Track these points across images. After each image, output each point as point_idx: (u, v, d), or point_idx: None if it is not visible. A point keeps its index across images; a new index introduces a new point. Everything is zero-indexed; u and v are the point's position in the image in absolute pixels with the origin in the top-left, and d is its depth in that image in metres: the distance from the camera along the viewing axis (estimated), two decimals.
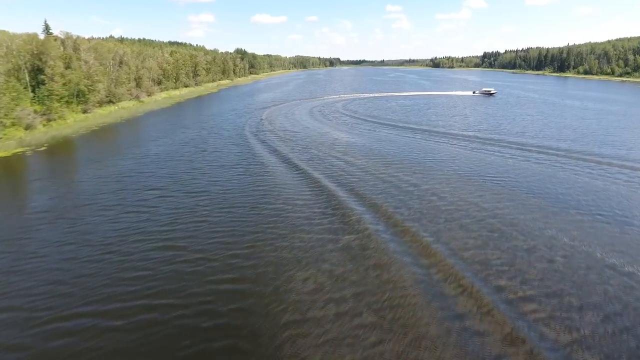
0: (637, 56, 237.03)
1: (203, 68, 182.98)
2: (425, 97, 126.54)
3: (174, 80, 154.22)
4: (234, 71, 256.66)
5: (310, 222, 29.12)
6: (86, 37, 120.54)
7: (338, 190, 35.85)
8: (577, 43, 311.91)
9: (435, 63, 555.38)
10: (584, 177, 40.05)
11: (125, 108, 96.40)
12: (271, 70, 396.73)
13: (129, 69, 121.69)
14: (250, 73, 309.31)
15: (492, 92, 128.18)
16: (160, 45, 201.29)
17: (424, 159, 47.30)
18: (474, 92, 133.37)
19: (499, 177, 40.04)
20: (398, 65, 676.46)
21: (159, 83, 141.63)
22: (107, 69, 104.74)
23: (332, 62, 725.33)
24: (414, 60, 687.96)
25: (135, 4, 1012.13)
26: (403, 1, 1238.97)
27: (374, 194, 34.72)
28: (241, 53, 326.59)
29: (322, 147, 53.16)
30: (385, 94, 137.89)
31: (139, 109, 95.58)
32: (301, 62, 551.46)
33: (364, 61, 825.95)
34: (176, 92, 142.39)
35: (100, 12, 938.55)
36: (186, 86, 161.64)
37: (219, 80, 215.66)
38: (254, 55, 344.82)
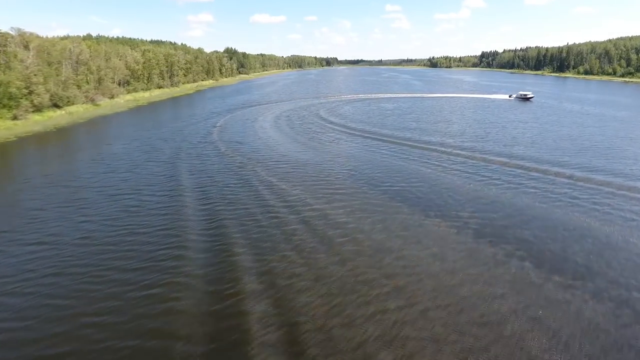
0: (639, 55, 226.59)
1: (180, 68, 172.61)
2: (435, 99, 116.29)
3: (145, 81, 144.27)
4: (220, 71, 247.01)
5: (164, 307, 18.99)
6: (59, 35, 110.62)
7: (236, 249, 25.69)
8: (577, 42, 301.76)
9: (432, 63, 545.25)
10: (588, 215, 29.81)
11: (72, 113, 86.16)
12: (264, 70, 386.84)
13: (88, 69, 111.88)
14: (240, 73, 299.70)
15: (528, 96, 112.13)
16: (137, 43, 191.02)
17: (382, 186, 37.07)
18: (510, 96, 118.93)
19: (472, 216, 29.82)
20: (395, 65, 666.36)
21: (127, 84, 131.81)
22: (57, 70, 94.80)
23: (329, 62, 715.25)
24: (411, 60, 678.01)
25: (134, 4, 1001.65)
26: (402, 1, 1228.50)
27: (291, 257, 24.57)
28: (231, 52, 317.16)
29: (259, 169, 42.92)
30: (372, 96, 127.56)
31: (86, 115, 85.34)
32: (296, 62, 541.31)
33: (361, 61, 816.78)
34: (145, 94, 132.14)
35: (99, 12, 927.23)
36: (160, 87, 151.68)
37: (202, 80, 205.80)
38: (244, 55, 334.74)
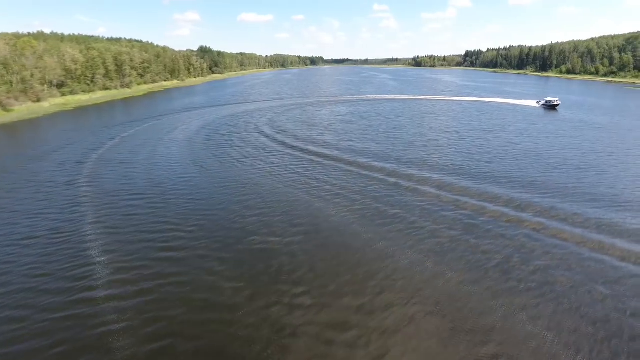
0: (622, 54, 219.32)
1: (133, 67, 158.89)
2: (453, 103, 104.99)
3: (89, 82, 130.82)
4: (189, 71, 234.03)
5: None
6: None
7: None
8: (560, 41, 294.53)
9: (417, 62, 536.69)
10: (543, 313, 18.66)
11: None
12: (242, 70, 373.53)
13: (10, 69, 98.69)
14: (213, 73, 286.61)
15: (554, 103, 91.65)
16: (89, 40, 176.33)
17: (254, 245, 25.56)
18: (537, 102, 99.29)
19: (362, 314, 18.44)
20: (381, 65, 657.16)
21: (62, 85, 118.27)
22: None
23: (313, 61, 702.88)
24: (396, 59, 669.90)
25: (120, 2, 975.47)
26: (390, 0, 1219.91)
27: None
28: (205, 51, 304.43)
29: (99, 207, 31.04)
30: (335, 98, 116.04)
31: None
32: (278, 61, 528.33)
33: (347, 60, 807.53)
34: (83, 97, 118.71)
35: (85, 11, 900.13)
36: (106, 89, 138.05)
37: (165, 81, 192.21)
38: (219, 53, 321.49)
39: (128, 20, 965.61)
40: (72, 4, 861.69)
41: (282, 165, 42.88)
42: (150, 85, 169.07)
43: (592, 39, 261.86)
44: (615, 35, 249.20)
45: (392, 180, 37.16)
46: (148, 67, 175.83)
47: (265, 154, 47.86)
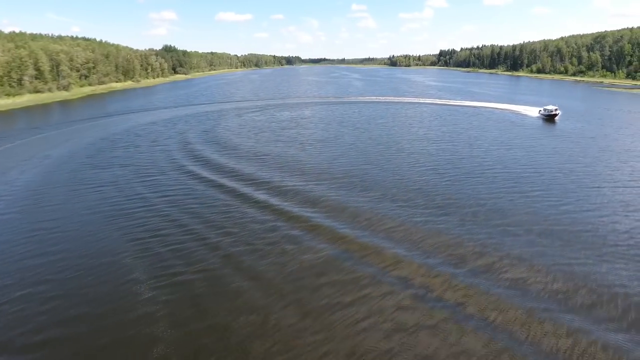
0: (590, 53, 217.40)
1: (71, 67, 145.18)
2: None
3: (15, 84, 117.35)
4: (147, 71, 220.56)
5: None
6: None
7: None
8: (531, 41, 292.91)
9: (392, 61, 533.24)
10: None
11: None
12: (211, 70, 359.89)
13: None
14: (177, 73, 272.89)
15: (552, 112, 75.74)
16: (25, 38, 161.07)
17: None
18: (539, 111, 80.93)
19: None
20: (357, 64, 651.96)
21: None
22: None
23: (289, 61, 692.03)
24: (373, 58, 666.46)
25: (92, 0, 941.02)
26: (368, 0, 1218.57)
27: None
28: (170, 50, 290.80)
29: None
30: (286, 101, 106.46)
31: None
32: (252, 61, 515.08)
33: (324, 60, 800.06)
34: (4, 102, 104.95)
35: (56, 9, 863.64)
36: (38, 92, 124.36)
37: (116, 82, 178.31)
38: (184, 53, 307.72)
39: (101, 19, 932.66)
40: (43, 2, 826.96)
41: (157, 191, 32.98)
42: (95, 87, 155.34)
43: (562, 38, 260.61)
44: (583, 35, 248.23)
45: (283, 217, 27.80)
46: (93, 68, 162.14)
47: (141, 177, 37.80)
